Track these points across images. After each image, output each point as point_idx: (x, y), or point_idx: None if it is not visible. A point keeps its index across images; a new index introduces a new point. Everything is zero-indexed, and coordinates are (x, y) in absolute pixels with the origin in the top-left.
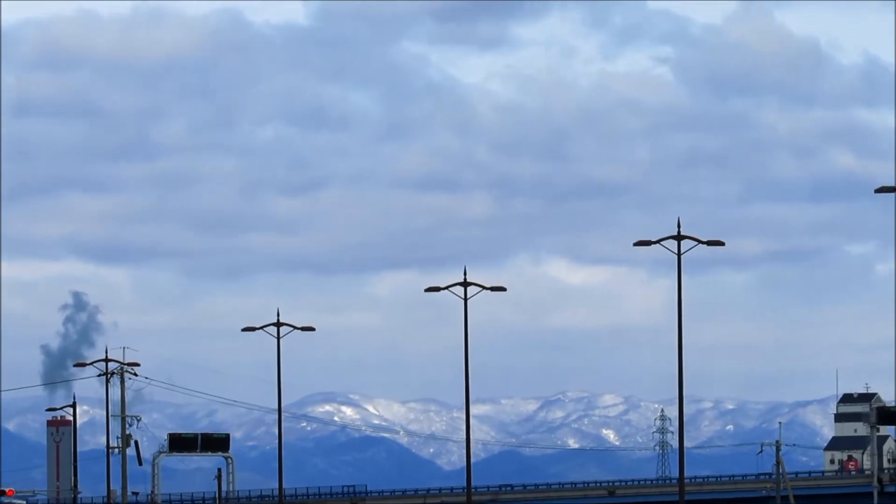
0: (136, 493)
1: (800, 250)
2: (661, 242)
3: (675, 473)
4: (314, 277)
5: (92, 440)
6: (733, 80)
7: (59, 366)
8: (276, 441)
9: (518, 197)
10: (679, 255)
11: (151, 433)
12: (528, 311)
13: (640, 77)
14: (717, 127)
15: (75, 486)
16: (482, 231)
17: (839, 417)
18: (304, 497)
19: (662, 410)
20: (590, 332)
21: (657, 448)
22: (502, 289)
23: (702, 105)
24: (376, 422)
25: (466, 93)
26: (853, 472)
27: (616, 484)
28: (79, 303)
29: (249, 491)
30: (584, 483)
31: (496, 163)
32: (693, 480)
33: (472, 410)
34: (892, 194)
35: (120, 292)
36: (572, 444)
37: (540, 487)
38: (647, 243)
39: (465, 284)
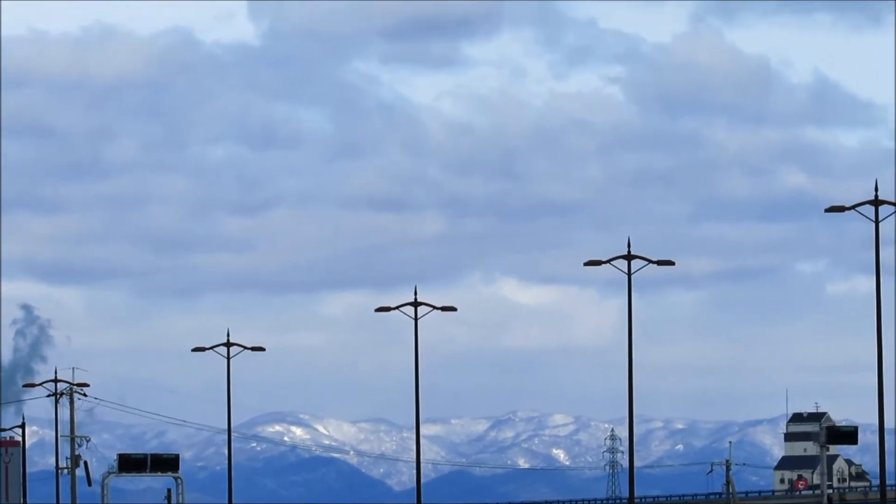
0: None
1: (750, 269)
2: (612, 262)
3: (626, 493)
4: (265, 297)
5: (41, 461)
6: (684, 100)
7: (9, 381)
8: (226, 461)
9: (469, 217)
10: (629, 274)
11: (101, 453)
12: (480, 330)
13: (591, 96)
14: (668, 146)
15: None
16: (433, 251)
17: (789, 437)
18: None
19: (612, 430)
20: (540, 352)
21: (607, 468)
22: (453, 309)
23: (652, 124)
24: (326, 442)
25: (417, 112)
26: (803, 492)
27: (566, 503)
28: (29, 316)
29: None
30: (533, 503)
31: (447, 182)
32: (643, 500)
33: (423, 430)
34: (842, 213)
35: (71, 312)
36: (522, 463)
37: None
38: (598, 263)
39: (416, 304)
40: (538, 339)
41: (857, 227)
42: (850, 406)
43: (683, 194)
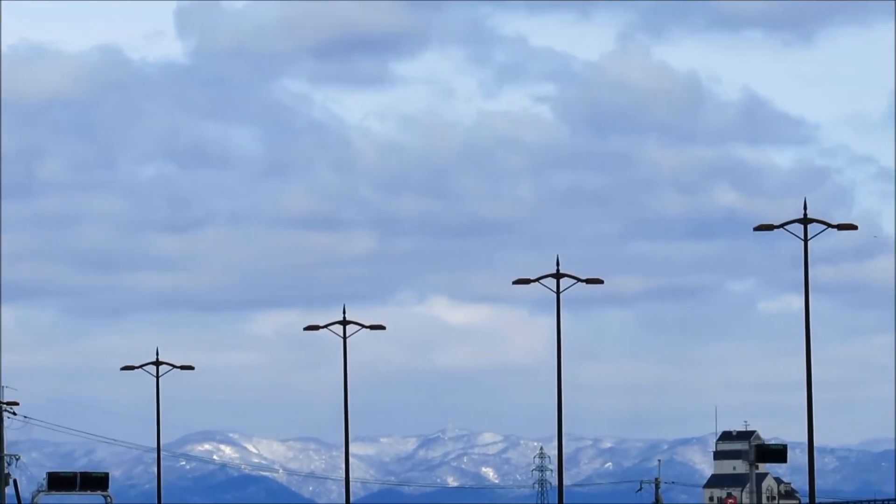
0: None
1: (681, 288)
2: (541, 281)
3: None
4: (196, 316)
5: None
6: (614, 118)
7: None
8: (156, 480)
9: (400, 235)
10: (558, 293)
11: (30, 472)
12: (410, 349)
13: (521, 115)
14: (599, 165)
15: None
16: (364, 269)
17: (718, 455)
18: None
19: (542, 448)
20: (470, 371)
21: (536, 486)
22: (381, 327)
23: (583, 143)
24: (256, 460)
25: (347, 131)
26: None
27: None
28: None
29: None
30: None
31: (378, 201)
32: None
33: (352, 449)
34: (772, 232)
35: (2, 330)
36: (451, 482)
37: None
38: (527, 281)
39: (345, 323)
40: (468, 358)
41: (788, 245)
42: (780, 424)
43: (614, 213)
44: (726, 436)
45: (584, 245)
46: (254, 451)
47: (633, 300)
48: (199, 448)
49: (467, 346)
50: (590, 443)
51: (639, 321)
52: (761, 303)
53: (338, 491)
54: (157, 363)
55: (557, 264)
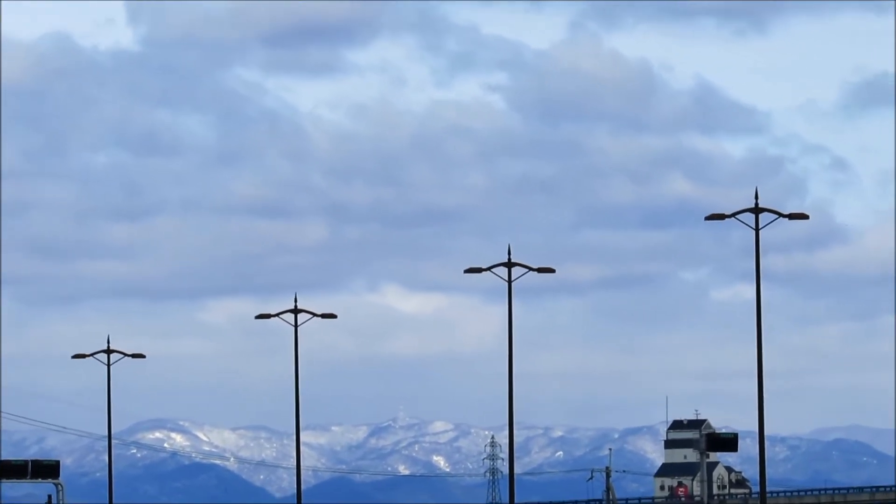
0: None
1: (633, 277)
2: (492, 270)
3: (506, 500)
4: (147, 304)
5: None
6: (565, 107)
7: None
8: (107, 467)
9: (352, 223)
10: (509, 282)
11: None
12: (361, 338)
13: (472, 104)
14: (550, 153)
15: None
16: (316, 257)
17: (669, 444)
18: None
19: (493, 437)
20: (422, 359)
21: (487, 474)
22: (333, 316)
23: (534, 131)
24: (206, 448)
25: (299, 119)
26: (683, 499)
27: None
28: None
29: None
30: None
31: (329, 189)
32: None
33: (303, 437)
34: (723, 221)
35: None
36: (402, 470)
37: None
38: (478, 270)
39: (296, 311)
40: (420, 347)
41: (740, 234)
42: (731, 413)
43: (566, 202)
44: (677, 425)
45: (536, 233)
46: (205, 439)
47: (585, 289)
48: (150, 436)
49: (419, 334)
50: (541, 431)
51: (591, 310)
52: (713, 292)
53: (289, 479)
54: (109, 351)
55: (509, 253)
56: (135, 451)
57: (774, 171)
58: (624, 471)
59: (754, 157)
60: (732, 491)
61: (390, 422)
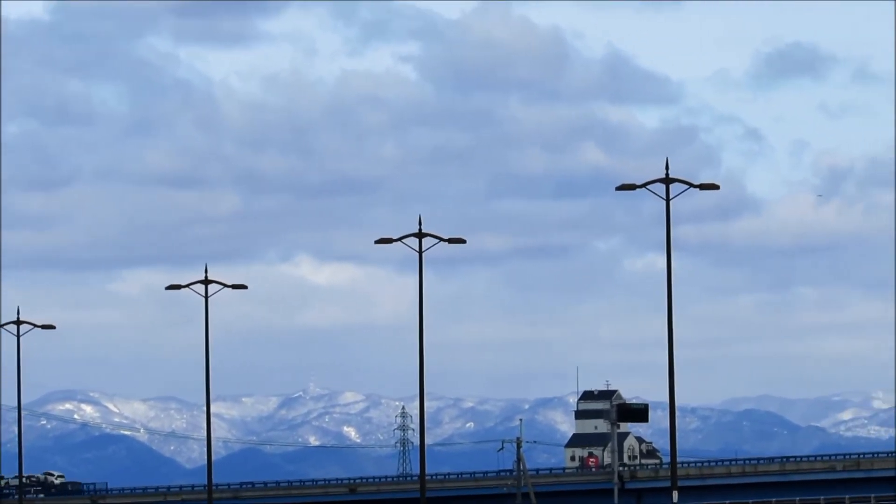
0: None
1: (546, 246)
2: (403, 240)
3: (417, 470)
4: (60, 275)
5: None
6: (477, 76)
7: None
8: (16, 439)
9: (265, 194)
10: (420, 252)
11: None
12: (273, 308)
13: (385, 74)
14: (463, 123)
15: None
16: (229, 228)
17: (580, 414)
18: (44, 497)
19: (403, 408)
20: (333, 330)
21: (398, 445)
22: (243, 286)
23: (446, 101)
24: (117, 420)
25: (211, 89)
26: (594, 469)
27: (357, 481)
28: None
29: None
30: (325, 480)
31: (242, 159)
32: (434, 477)
33: (213, 408)
34: (634, 191)
35: None
36: (313, 441)
37: (281, 485)
38: (389, 241)
39: (206, 282)
40: (331, 317)
41: (652, 204)
42: (642, 384)
43: (479, 171)
44: (588, 395)
45: (450, 203)
46: (115, 410)
47: (498, 259)
48: (60, 407)
49: (331, 305)
50: (452, 402)
51: (503, 280)
52: (626, 261)
53: (199, 450)
54: (18, 322)
55: (420, 223)
56: (44, 422)
57: (688, 142)
58: (535, 441)
59: (667, 127)
60: (643, 461)
61: (301, 393)
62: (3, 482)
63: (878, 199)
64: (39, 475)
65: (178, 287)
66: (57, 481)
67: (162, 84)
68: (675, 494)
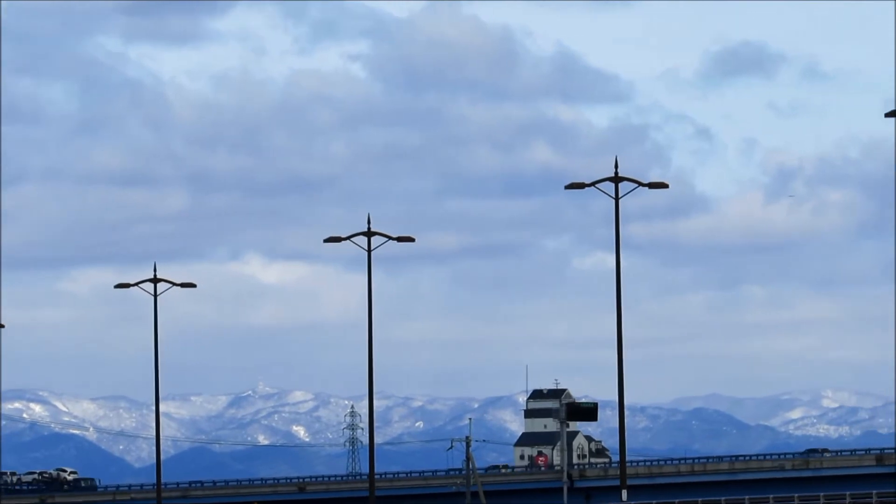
0: None
1: (495, 245)
2: (352, 239)
3: (366, 469)
4: (8, 273)
5: None
6: (426, 75)
7: None
8: None
9: (214, 193)
10: (369, 251)
11: None
12: (222, 307)
13: (334, 73)
14: (412, 122)
15: None
16: (179, 226)
17: (529, 413)
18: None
19: (353, 406)
20: (282, 329)
21: (347, 444)
22: (192, 285)
23: (396, 100)
24: (66, 419)
25: (160, 88)
26: (543, 468)
27: (306, 480)
28: None
29: None
30: (274, 479)
31: (191, 158)
32: (384, 476)
33: (162, 407)
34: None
35: None
36: (262, 440)
37: (230, 484)
38: (338, 240)
39: (155, 281)
40: (280, 316)
41: (602, 203)
42: (591, 382)
43: (428, 170)
44: (537, 394)
45: (399, 202)
46: (64, 409)
47: (448, 257)
48: (9, 406)
49: (280, 304)
50: (401, 401)
51: (453, 279)
52: (575, 260)
53: (148, 449)
54: None
55: (368, 222)
56: None
57: (638, 140)
58: (484, 440)
59: (618, 126)
60: (592, 460)
61: (250, 392)
62: (15, 478)
63: (827, 197)
64: (52, 471)
65: (126, 286)
66: (70, 478)
67: (111, 83)
68: (625, 493)
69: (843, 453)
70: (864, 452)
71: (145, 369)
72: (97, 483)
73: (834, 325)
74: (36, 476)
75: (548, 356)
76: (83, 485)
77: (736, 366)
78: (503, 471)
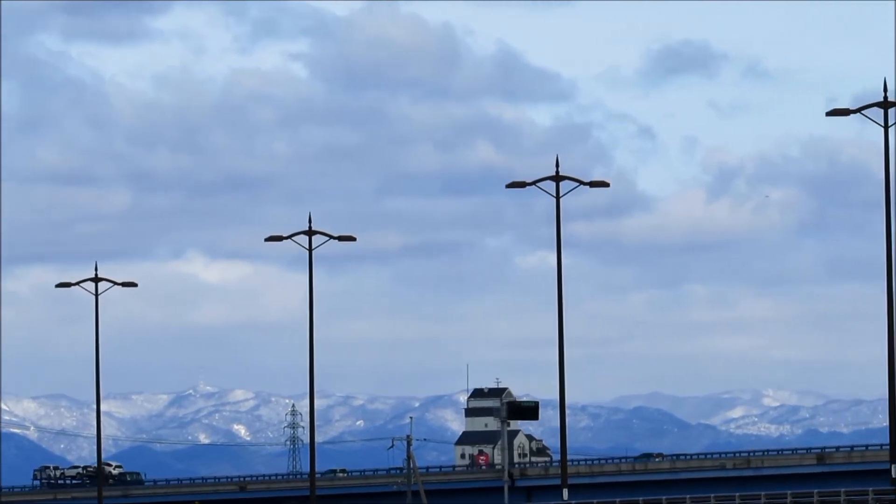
0: None
1: (437, 244)
2: (293, 238)
3: (307, 468)
4: None
5: None
6: (367, 74)
7: None
8: None
9: (155, 191)
10: (310, 250)
11: None
12: (164, 306)
13: (274, 71)
14: (353, 121)
15: None
16: (120, 225)
17: (470, 412)
18: None
19: (293, 405)
20: (223, 328)
21: (288, 443)
22: (133, 284)
23: (337, 99)
24: (7, 418)
25: (101, 86)
26: (484, 467)
27: (247, 479)
28: None
29: None
30: (214, 478)
31: (133, 157)
32: (324, 475)
33: (103, 406)
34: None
35: None
36: (203, 439)
37: (171, 483)
38: (279, 238)
39: (97, 280)
40: (221, 315)
41: (543, 202)
42: (533, 381)
43: (370, 169)
44: (478, 393)
45: (341, 201)
46: (4, 408)
47: (390, 257)
48: None
49: (221, 303)
50: (342, 399)
51: (394, 278)
52: (517, 259)
53: (89, 448)
54: None
55: (310, 221)
56: None
57: (581, 139)
58: (425, 439)
59: (561, 125)
60: (533, 459)
61: (191, 391)
62: (59, 472)
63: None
64: (93, 467)
65: (68, 285)
66: (115, 472)
67: (52, 81)
68: (566, 492)
69: (785, 452)
70: (805, 451)
71: (87, 368)
72: (143, 477)
73: (776, 324)
74: (80, 471)
75: (490, 355)
76: (129, 479)
77: (677, 365)
78: (339, 475)
